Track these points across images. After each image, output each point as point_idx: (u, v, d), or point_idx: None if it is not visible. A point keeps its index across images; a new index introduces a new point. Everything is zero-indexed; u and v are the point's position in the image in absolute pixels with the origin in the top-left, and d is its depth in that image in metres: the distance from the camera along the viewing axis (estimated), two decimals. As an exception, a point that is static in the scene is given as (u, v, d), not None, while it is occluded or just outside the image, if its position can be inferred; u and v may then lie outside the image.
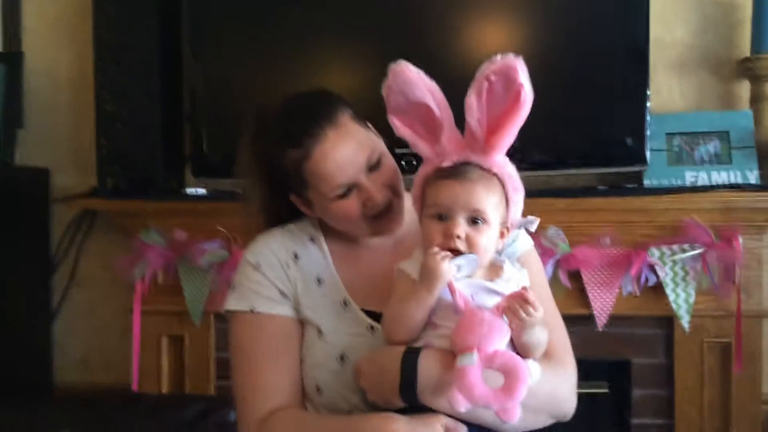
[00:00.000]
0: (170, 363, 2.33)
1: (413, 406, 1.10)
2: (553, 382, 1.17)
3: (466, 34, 2.21)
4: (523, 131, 2.23)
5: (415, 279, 1.12)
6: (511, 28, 2.22)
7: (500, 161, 1.14)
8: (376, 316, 1.21)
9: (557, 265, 2.12)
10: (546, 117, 2.13)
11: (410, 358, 1.09)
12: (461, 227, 1.09)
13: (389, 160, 1.25)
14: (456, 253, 1.09)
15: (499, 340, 1.05)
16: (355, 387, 1.17)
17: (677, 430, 2.15)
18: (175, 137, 2.40)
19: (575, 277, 2.15)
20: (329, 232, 1.29)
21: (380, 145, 1.25)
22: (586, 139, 2.14)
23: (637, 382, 2.20)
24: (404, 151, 1.27)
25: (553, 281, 2.09)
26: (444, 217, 1.11)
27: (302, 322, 1.25)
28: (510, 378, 1.03)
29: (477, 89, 1.10)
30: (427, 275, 1.08)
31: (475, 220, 1.11)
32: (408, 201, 1.27)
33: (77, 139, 2.52)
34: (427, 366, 1.08)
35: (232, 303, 1.26)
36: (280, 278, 1.25)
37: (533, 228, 1.23)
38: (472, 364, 1.02)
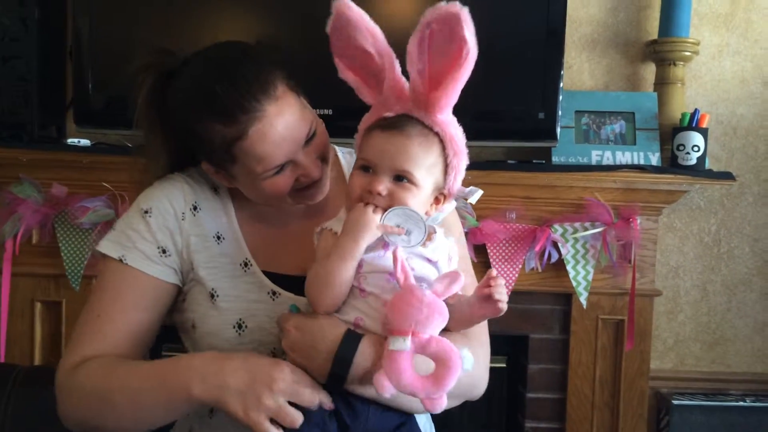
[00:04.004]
0: (44, 331, 2.14)
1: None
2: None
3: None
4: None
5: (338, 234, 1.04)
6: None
7: (444, 120, 1.04)
8: (279, 280, 1.13)
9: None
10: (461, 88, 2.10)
11: (348, 347, 0.99)
12: (384, 184, 1.01)
13: (321, 128, 1.14)
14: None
15: (436, 326, 0.98)
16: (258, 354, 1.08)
17: (569, 404, 2.21)
18: (56, 78, 2.16)
19: (480, 251, 2.13)
20: None
21: (313, 112, 1.13)
22: (498, 112, 2.11)
23: (533, 356, 2.23)
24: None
25: (459, 255, 2.06)
26: (369, 170, 1.03)
27: (191, 283, 1.15)
28: (441, 367, 0.97)
29: (418, 36, 0.99)
30: (353, 224, 1.00)
31: (400, 178, 1.02)
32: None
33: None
34: (363, 359, 1.00)
35: (105, 245, 1.15)
36: (169, 230, 1.13)
37: (474, 200, 1.15)
38: (404, 349, 0.95)
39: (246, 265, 1.14)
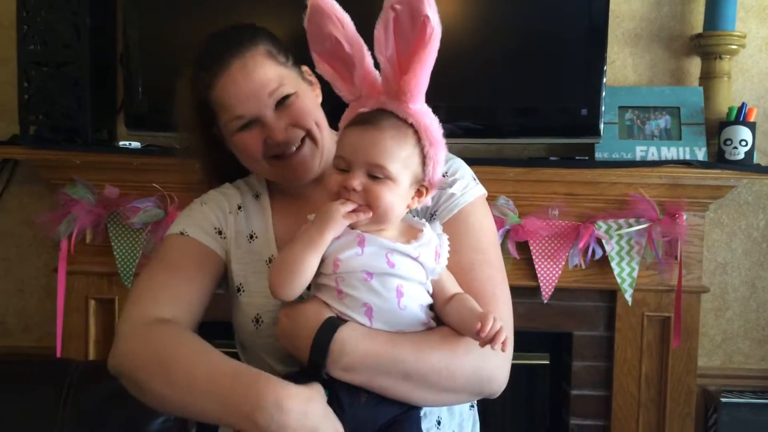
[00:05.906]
0: (98, 327, 2.21)
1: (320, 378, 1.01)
2: (477, 361, 1.05)
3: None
4: (479, 98, 2.10)
5: None
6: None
7: (418, 110, 1.02)
8: None
9: (506, 236, 2.09)
10: (502, 85, 2.11)
11: (324, 335, 1.00)
12: (358, 179, 1.00)
13: (304, 102, 1.16)
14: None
15: None
16: (272, 350, 1.12)
17: (615, 402, 2.19)
18: (107, 83, 2.23)
19: (523, 247, 2.13)
20: (275, 187, 1.24)
21: (296, 84, 1.17)
22: (540, 109, 2.11)
23: (577, 353, 2.22)
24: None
25: (502, 252, 2.05)
26: (344, 169, 1.02)
27: (228, 274, 1.21)
28: None
29: (383, 21, 0.98)
30: (321, 215, 1.01)
31: (375, 173, 1.01)
32: None
33: (-4, 81, 2.31)
34: (340, 347, 1.00)
35: (169, 229, 1.22)
36: (222, 219, 1.21)
37: (453, 188, 1.15)
38: None
39: (271, 261, 1.18)
